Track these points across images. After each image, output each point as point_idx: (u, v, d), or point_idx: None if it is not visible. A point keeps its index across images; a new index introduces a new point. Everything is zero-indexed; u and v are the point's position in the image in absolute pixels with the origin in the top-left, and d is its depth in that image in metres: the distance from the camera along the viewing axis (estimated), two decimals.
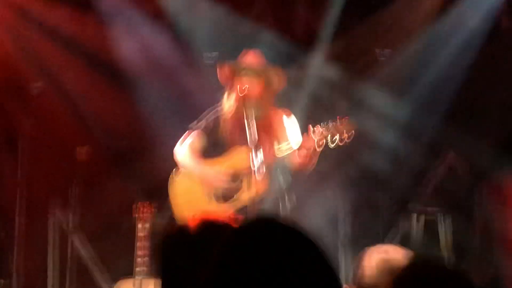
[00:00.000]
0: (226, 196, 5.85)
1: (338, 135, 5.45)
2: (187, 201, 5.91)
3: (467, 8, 8.12)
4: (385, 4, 8.21)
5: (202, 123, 6.04)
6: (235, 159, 5.82)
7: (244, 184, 5.69)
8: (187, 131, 6.09)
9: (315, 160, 5.66)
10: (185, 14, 8.30)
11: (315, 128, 5.50)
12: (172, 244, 2.50)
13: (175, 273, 2.44)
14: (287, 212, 5.85)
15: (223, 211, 5.65)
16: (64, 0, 8.30)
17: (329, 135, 5.47)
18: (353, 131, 5.46)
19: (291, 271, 1.72)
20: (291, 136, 5.86)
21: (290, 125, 5.96)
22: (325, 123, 5.51)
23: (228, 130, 5.91)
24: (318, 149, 5.48)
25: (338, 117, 5.53)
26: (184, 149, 6.04)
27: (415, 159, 8.13)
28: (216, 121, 6.00)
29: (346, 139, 5.47)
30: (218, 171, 5.82)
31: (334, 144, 5.47)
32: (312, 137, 5.48)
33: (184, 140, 6.06)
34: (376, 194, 7.99)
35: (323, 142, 5.45)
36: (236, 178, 5.83)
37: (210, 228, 2.49)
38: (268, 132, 5.86)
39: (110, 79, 8.33)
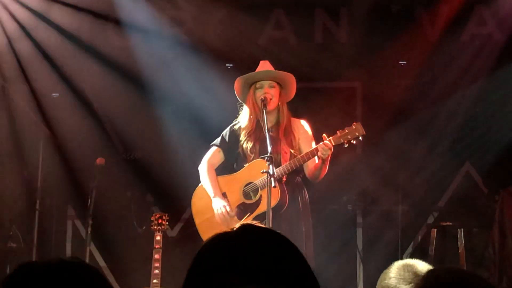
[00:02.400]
0: (247, 211, 5.84)
1: (351, 138, 5.57)
2: (209, 217, 5.90)
3: (484, 19, 8.08)
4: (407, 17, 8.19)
5: (221, 139, 6.08)
6: (253, 171, 5.80)
7: (264, 197, 5.69)
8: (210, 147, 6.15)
9: (327, 167, 5.70)
10: (201, 27, 8.30)
11: (331, 138, 5.54)
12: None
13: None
14: (302, 223, 5.84)
15: None
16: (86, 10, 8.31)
17: (345, 140, 5.55)
18: (364, 133, 5.59)
19: (271, 269, 1.77)
20: (307, 144, 5.86)
21: (307, 131, 5.96)
22: (341, 129, 5.58)
23: (247, 144, 5.91)
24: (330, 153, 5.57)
25: (354, 123, 5.61)
26: (203, 165, 6.10)
27: (433, 171, 8.08)
28: (235, 135, 6.01)
29: (357, 140, 5.61)
30: (223, 204, 5.84)
31: (347, 145, 5.62)
32: (329, 145, 5.51)
33: (205, 156, 6.12)
34: (394, 206, 7.94)
35: (340, 144, 5.57)
36: (256, 192, 5.82)
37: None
38: (287, 140, 5.86)
39: (131, 90, 8.34)
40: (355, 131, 5.58)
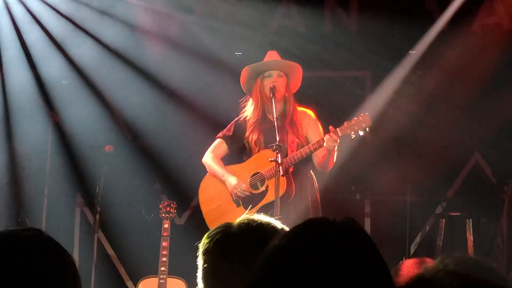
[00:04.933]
0: (253, 201, 5.86)
1: (358, 129, 5.56)
2: (216, 207, 5.92)
3: (495, 9, 8.03)
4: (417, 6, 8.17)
5: (225, 131, 6.10)
6: (260, 161, 5.82)
7: (270, 187, 5.72)
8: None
9: (334, 157, 5.71)
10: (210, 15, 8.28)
11: (338, 129, 5.54)
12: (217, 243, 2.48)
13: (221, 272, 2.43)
14: (311, 213, 5.84)
15: None
16: None
17: (352, 131, 5.53)
18: (370, 124, 5.61)
19: (348, 270, 1.70)
20: (315, 133, 5.86)
21: (314, 120, 5.97)
22: (348, 120, 5.58)
23: (252, 136, 5.92)
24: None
25: (361, 114, 5.60)
26: (207, 155, 6.15)
27: (442, 162, 8.05)
28: (240, 127, 6.03)
29: (365, 131, 5.63)
30: (238, 182, 5.86)
31: (354, 136, 5.64)
32: (334, 136, 5.51)
33: (209, 148, 6.14)
34: (403, 196, 7.93)
35: (346, 135, 5.57)
36: (262, 182, 5.83)
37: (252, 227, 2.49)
38: (293, 130, 5.87)
39: (139, 78, 8.32)
40: (362, 122, 5.59)
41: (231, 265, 2.39)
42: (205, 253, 2.47)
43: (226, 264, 2.41)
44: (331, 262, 1.69)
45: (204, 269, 2.47)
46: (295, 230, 1.81)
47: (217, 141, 6.15)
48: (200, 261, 2.48)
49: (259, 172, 5.85)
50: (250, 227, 2.47)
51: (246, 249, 2.39)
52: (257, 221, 2.50)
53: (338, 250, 1.71)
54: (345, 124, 5.60)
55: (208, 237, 2.50)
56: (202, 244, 2.49)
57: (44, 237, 2.03)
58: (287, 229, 2.46)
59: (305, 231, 1.79)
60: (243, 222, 2.49)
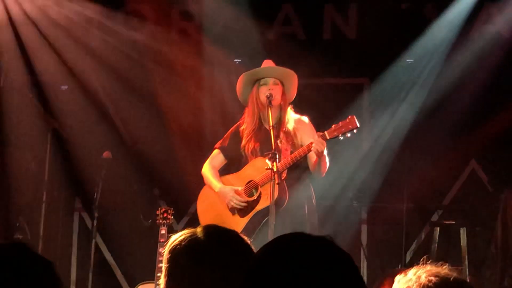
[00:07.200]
0: (247, 209, 5.87)
1: (345, 131, 5.58)
2: (213, 217, 5.94)
3: (492, 17, 8.06)
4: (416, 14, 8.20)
5: (222, 141, 6.13)
6: (254, 169, 5.84)
7: (263, 194, 5.74)
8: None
9: (325, 161, 5.72)
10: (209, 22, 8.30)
11: (325, 132, 5.56)
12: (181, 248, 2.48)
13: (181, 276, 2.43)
14: (308, 219, 5.86)
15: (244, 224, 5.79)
16: None
17: (339, 134, 5.56)
18: (358, 126, 5.58)
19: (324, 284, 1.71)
20: (310, 139, 5.88)
21: (310, 127, 5.98)
22: (336, 123, 5.61)
23: (249, 145, 5.94)
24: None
25: (349, 116, 5.62)
26: (205, 167, 6.18)
27: (439, 169, 8.07)
28: (236, 137, 6.05)
29: (352, 133, 5.61)
30: (233, 192, 5.89)
31: (342, 138, 5.61)
32: (321, 140, 5.53)
33: (208, 158, 6.17)
34: (399, 204, 7.94)
35: (334, 137, 5.59)
36: (256, 189, 5.85)
37: (218, 235, 2.49)
38: (288, 138, 5.88)
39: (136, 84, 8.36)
40: (349, 124, 5.59)
41: (198, 274, 2.38)
42: (171, 260, 2.46)
43: (193, 272, 2.40)
44: (306, 277, 1.72)
45: (170, 277, 2.45)
46: (270, 244, 1.83)
47: (215, 152, 6.18)
48: (164, 269, 2.47)
49: (252, 180, 5.87)
50: (216, 234, 2.47)
51: (214, 256, 2.38)
52: (220, 229, 2.52)
53: (312, 265, 1.74)
54: (333, 127, 5.61)
55: (173, 245, 2.49)
56: (167, 252, 2.48)
57: (23, 250, 2.08)
58: (245, 238, 2.48)
59: (278, 245, 1.81)
60: (209, 229, 2.50)
